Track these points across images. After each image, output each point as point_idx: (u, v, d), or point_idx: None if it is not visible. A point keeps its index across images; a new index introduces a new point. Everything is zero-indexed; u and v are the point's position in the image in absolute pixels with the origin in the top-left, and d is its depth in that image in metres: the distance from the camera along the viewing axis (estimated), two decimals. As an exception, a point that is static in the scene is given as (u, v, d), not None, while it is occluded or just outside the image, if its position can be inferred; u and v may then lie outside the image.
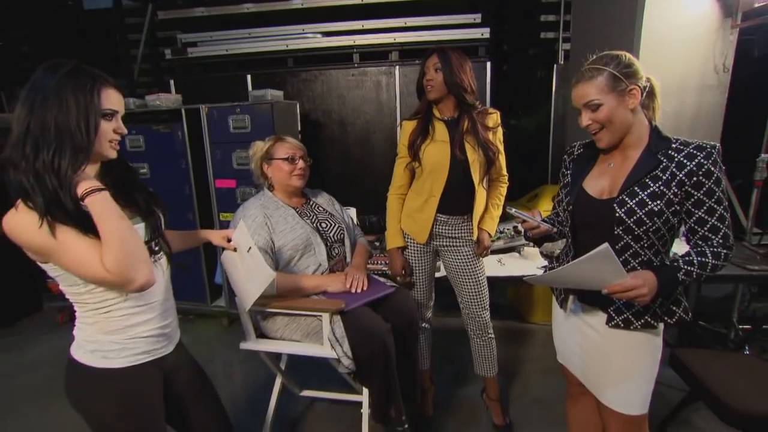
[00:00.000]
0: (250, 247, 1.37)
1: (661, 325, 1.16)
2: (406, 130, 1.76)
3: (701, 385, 1.56)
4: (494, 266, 2.15)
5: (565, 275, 1.09)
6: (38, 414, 2.19)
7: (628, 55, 1.08)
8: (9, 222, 0.89)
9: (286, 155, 1.68)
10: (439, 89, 1.64)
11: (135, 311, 1.05)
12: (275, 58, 3.23)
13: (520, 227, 1.33)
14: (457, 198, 1.72)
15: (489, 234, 1.77)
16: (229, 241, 1.44)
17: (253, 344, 1.62)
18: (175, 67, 3.39)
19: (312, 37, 3.14)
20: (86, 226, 0.91)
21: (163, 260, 1.13)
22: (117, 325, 1.03)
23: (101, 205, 0.91)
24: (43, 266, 0.97)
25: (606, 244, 0.93)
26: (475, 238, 1.74)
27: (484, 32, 2.93)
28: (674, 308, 1.14)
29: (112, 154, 1.00)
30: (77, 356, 1.05)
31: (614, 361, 1.19)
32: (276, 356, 1.84)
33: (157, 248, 1.09)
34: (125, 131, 1.01)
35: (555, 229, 1.29)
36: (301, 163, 1.69)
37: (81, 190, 0.91)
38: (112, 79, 0.98)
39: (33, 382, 2.47)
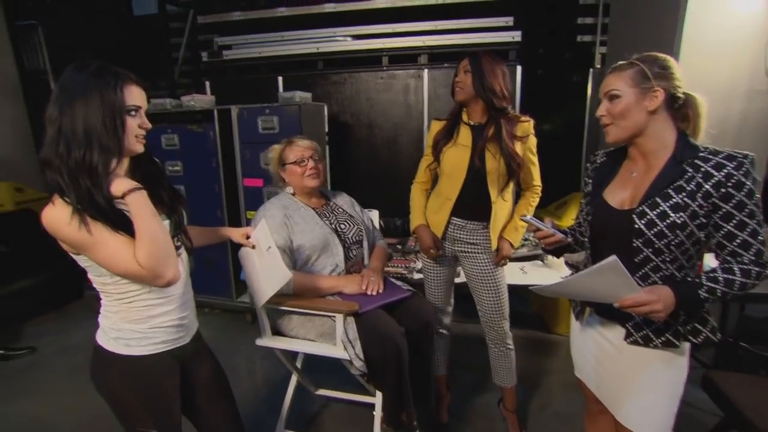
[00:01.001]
0: (269, 247, 1.40)
1: (686, 345, 1.09)
2: (432, 129, 1.78)
3: (736, 411, 1.45)
4: (516, 274, 2.10)
5: (573, 287, 1.05)
6: (72, 394, 2.31)
7: (671, 59, 1.04)
8: (46, 216, 0.94)
9: (295, 159, 1.71)
10: (467, 92, 1.62)
11: (156, 302, 1.09)
12: (306, 61, 3.29)
13: (533, 236, 1.29)
14: (473, 205, 1.69)
15: (511, 244, 1.72)
16: (248, 238, 1.48)
17: (268, 341, 1.65)
18: (211, 69, 3.52)
19: (342, 40, 3.18)
20: (117, 223, 0.96)
21: (184, 255, 1.17)
22: (139, 315, 1.08)
23: (139, 204, 0.97)
24: (75, 257, 1.02)
25: (614, 257, 0.90)
26: (494, 247, 1.71)
27: (516, 35, 2.88)
28: (699, 327, 1.07)
29: (140, 149, 1.04)
30: (101, 342, 1.11)
31: (631, 378, 1.13)
32: (292, 354, 1.87)
33: (179, 243, 1.14)
34: (149, 126, 1.03)
35: (570, 239, 1.24)
36: (310, 163, 1.71)
37: (121, 189, 0.96)
38: (134, 75, 1.01)
39: (72, 364, 2.62)
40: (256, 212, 1.72)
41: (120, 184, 0.96)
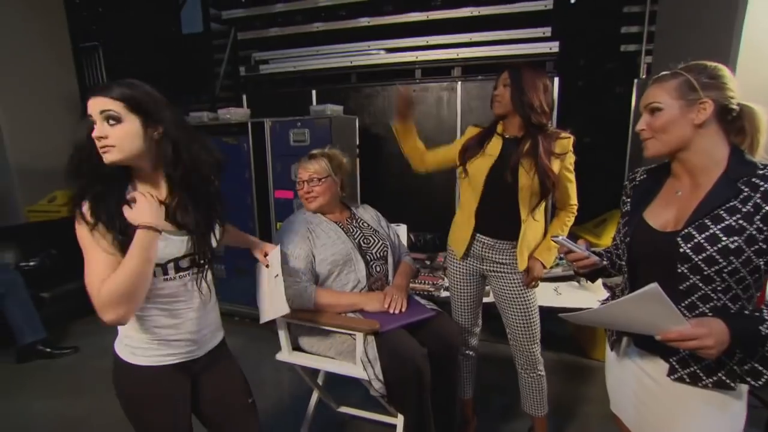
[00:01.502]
0: (276, 275, 1.39)
1: (743, 387, 0.97)
2: (467, 134, 1.73)
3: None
4: (549, 295, 1.99)
5: (608, 316, 0.96)
6: (109, 395, 2.38)
7: (723, 68, 0.94)
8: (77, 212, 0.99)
9: (299, 179, 1.72)
10: (505, 106, 1.56)
11: (162, 315, 1.09)
12: (340, 74, 3.32)
13: (564, 258, 1.21)
14: (503, 223, 1.61)
15: (543, 264, 1.64)
16: (266, 255, 1.47)
17: (287, 356, 1.63)
18: (249, 83, 3.63)
19: (375, 54, 3.20)
20: (117, 235, 0.97)
21: (209, 276, 1.15)
22: (147, 326, 1.08)
23: (142, 243, 0.95)
24: None
25: (655, 284, 0.81)
26: (521, 268, 1.62)
27: (553, 46, 2.78)
28: (760, 368, 0.94)
29: (104, 159, 0.97)
30: (116, 349, 1.13)
31: (676, 420, 1.01)
32: (313, 370, 1.84)
33: (201, 261, 1.11)
34: (98, 134, 0.96)
35: (606, 262, 1.15)
36: (306, 187, 1.69)
37: (138, 220, 0.95)
38: (101, 86, 0.99)
39: (109, 365, 2.71)
40: (282, 226, 1.72)
41: (139, 214, 0.96)
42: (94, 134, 0.96)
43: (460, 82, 3.00)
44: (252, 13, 3.57)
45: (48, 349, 2.82)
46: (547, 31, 2.82)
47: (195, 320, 1.13)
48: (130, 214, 0.97)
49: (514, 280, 1.67)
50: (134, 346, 1.10)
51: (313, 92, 3.30)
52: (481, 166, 1.61)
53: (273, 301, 1.40)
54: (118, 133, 0.96)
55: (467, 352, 1.86)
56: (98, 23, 4.42)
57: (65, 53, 4.25)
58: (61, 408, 2.32)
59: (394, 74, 3.21)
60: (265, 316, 1.47)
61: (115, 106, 0.96)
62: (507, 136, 1.61)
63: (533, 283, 1.66)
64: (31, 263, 3.10)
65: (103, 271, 0.95)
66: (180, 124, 1.04)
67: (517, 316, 1.69)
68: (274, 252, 1.44)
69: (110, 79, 4.32)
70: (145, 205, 0.97)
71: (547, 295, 1.97)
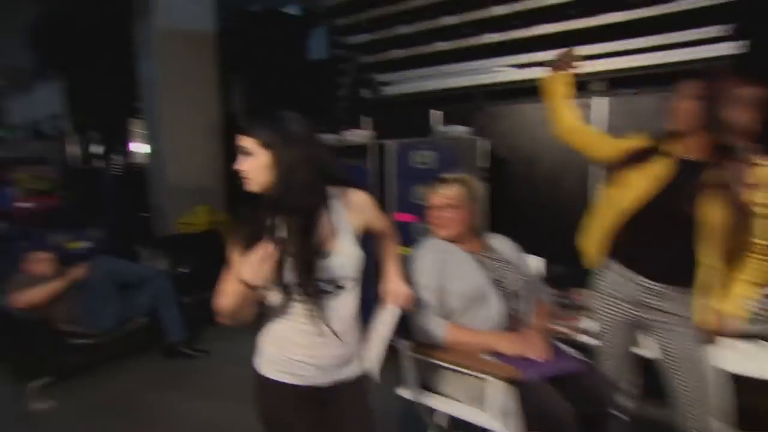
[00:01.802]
0: (383, 334, 1.32)
1: None
2: (631, 140, 1.48)
3: None
4: (734, 357, 1.59)
5: None
6: (244, 404, 2.49)
7: None
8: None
9: (431, 203, 1.61)
10: (686, 121, 1.32)
11: (291, 332, 1.12)
12: (463, 94, 3.21)
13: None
14: (673, 263, 1.35)
15: (725, 317, 1.33)
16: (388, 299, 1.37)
17: (411, 393, 1.53)
18: (371, 105, 3.72)
19: (502, 71, 3.02)
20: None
21: (342, 298, 1.14)
22: (272, 337, 1.16)
23: (236, 290, 1.02)
24: None
25: None
26: (700, 320, 1.34)
27: (726, 47, 2.30)
28: None
29: (245, 188, 1.09)
30: (255, 359, 1.20)
31: None
32: (433, 409, 1.70)
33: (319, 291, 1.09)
34: (237, 166, 1.08)
35: None
36: (435, 212, 1.58)
37: (240, 270, 1.00)
38: (244, 123, 1.08)
39: (243, 373, 2.84)
40: (412, 252, 1.63)
41: (243, 266, 0.99)
42: (234, 166, 1.09)
43: (598, 98, 2.67)
44: (375, 37, 3.67)
45: (188, 350, 3.11)
46: (720, 29, 2.33)
47: (319, 345, 1.13)
48: (244, 257, 1.02)
49: (684, 334, 1.38)
50: (263, 357, 1.17)
51: (436, 113, 3.23)
52: (641, 185, 1.37)
53: (366, 354, 1.29)
54: (250, 166, 1.07)
55: (618, 413, 1.56)
56: (239, 57, 4.99)
57: (213, 86, 4.86)
58: (205, 410, 2.49)
59: (523, 92, 2.98)
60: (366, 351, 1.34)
61: (248, 143, 1.06)
62: (687, 158, 1.34)
63: (711, 338, 1.35)
64: (183, 270, 3.50)
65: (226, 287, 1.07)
66: (306, 159, 1.06)
67: (688, 378, 1.39)
68: (392, 308, 1.32)
69: (248, 108, 4.85)
70: (250, 261, 0.99)
71: (729, 356, 1.57)
